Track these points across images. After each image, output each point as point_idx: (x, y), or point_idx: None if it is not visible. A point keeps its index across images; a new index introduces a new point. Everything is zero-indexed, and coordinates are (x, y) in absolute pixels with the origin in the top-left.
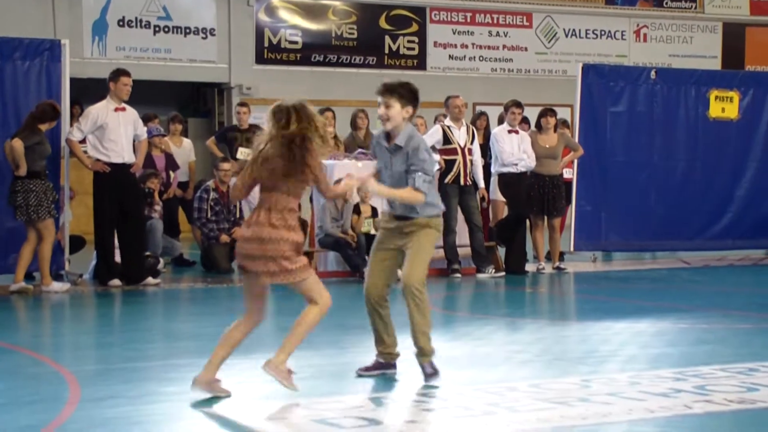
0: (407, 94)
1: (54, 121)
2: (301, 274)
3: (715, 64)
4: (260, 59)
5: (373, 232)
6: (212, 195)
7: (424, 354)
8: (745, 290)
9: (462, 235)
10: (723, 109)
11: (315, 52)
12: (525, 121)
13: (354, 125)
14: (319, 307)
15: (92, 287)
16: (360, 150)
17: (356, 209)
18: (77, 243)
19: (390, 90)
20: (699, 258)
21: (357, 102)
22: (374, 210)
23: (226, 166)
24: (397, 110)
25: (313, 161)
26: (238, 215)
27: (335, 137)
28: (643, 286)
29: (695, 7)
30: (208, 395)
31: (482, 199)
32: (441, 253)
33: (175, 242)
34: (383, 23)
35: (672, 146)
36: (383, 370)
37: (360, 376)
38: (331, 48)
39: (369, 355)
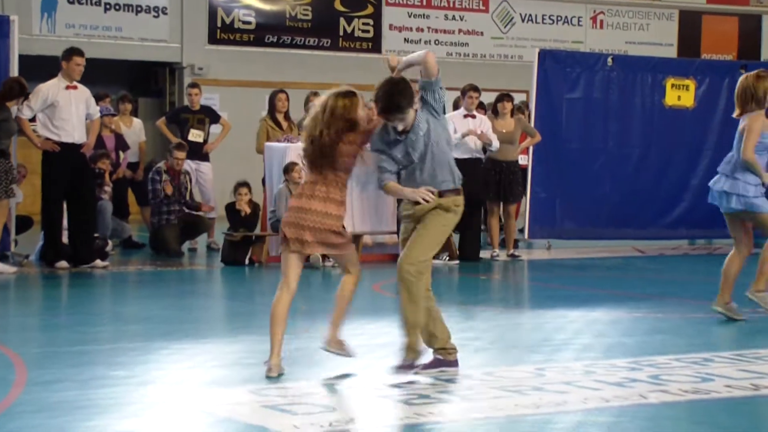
0: (409, 97)
1: (21, 97)
2: (349, 246)
3: (671, 52)
4: (213, 39)
5: None
6: (164, 177)
7: (410, 349)
8: (700, 279)
9: None
10: (679, 97)
11: (269, 33)
12: (481, 106)
13: (307, 107)
14: (354, 276)
15: (39, 269)
16: None
17: None
18: (24, 223)
19: (399, 108)
20: (654, 246)
21: (311, 84)
22: None
23: (179, 154)
24: (411, 115)
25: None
26: (188, 197)
27: (288, 119)
28: (598, 274)
29: None
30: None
31: None
32: (395, 238)
33: (125, 224)
34: (338, 5)
35: (628, 133)
36: (443, 367)
37: (416, 374)
38: (285, 29)
39: (320, 342)
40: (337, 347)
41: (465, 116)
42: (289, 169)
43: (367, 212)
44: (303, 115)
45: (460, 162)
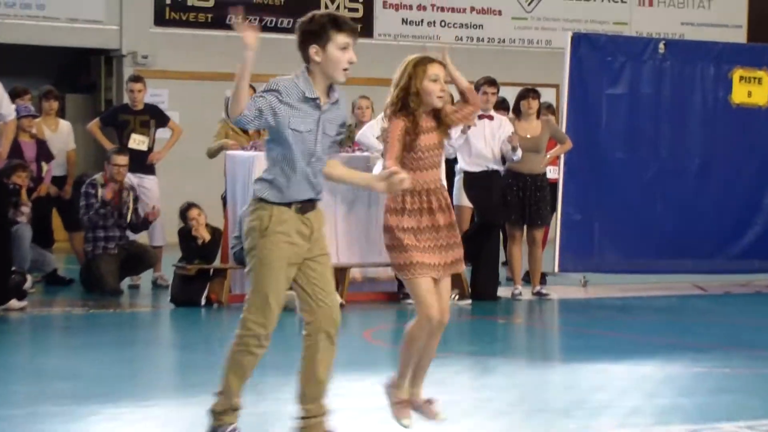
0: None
1: None
2: None
3: (740, 36)
4: (160, 20)
5: None
6: (101, 192)
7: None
8: None
9: None
10: (749, 93)
11: (231, 11)
12: (502, 105)
13: (356, 113)
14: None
15: None
16: None
17: None
18: None
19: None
20: (718, 282)
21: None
22: None
23: (121, 160)
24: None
25: None
26: (129, 219)
27: None
28: (647, 317)
29: None
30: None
31: None
32: (390, 272)
33: (48, 254)
34: None
35: (684, 140)
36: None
37: None
38: (252, 7)
39: (292, 403)
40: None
41: (480, 117)
42: None
43: (356, 239)
44: (353, 121)
45: (472, 176)
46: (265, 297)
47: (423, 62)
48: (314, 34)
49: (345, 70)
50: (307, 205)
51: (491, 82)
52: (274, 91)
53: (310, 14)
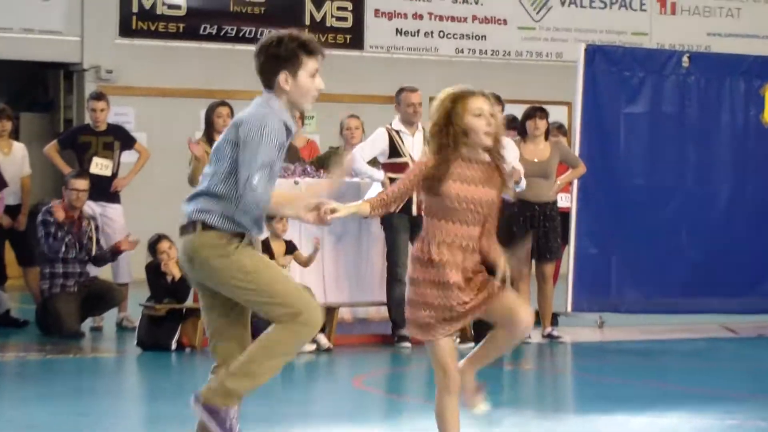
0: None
1: None
2: None
3: None
4: (126, 30)
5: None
6: (56, 216)
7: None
8: None
9: None
10: None
11: (206, 21)
12: (512, 124)
13: (345, 133)
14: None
15: None
16: None
17: (264, 248)
18: None
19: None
20: (750, 324)
21: None
22: (290, 245)
23: (80, 184)
24: None
25: None
26: (93, 252)
27: None
28: (672, 363)
29: None
30: None
31: None
32: (383, 312)
33: (0, 293)
34: None
35: (712, 164)
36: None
37: None
38: (228, 16)
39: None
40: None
41: None
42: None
43: (344, 276)
44: (341, 143)
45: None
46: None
47: (463, 96)
48: (283, 60)
49: (313, 98)
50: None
51: (496, 100)
52: (274, 140)
53: (274, 36)
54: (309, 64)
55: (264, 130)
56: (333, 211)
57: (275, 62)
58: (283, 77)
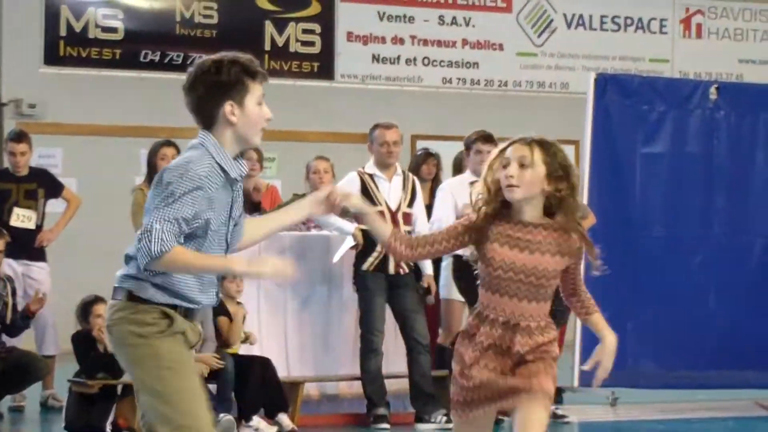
0: None
1: None
2: None
3: None
4: (52, 58)
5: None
6: None
7: None
8: None
9: (394, 358)
10: None
11: (147, 46)
12: None
13: (311, 178)
14: None
15: None
16: None
17: (221, 310)
18: None
19: None
20: None
21: None
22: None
23: None
24: None
25: None
26: (9, 319)
27: None
28: None
29: None
30: None
31: (426, 292)
32: (356, 387)
33: None
34: (262, 1)
35: (744, 212)
36: None
37: None
38: (174, 40)
39: None
40: None
41: (473, 183)
42: None
43: (310, 345)
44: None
45: (462, 261)
46: None
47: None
48: (226, 87)
49: (262, 130)
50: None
51: (487, 139)
52: (196, 190)
53: (208, 62)
54: (255, 90)
55: (184, 176)
56: (346, 197)
57: (217, 92)
58: (228, 108)
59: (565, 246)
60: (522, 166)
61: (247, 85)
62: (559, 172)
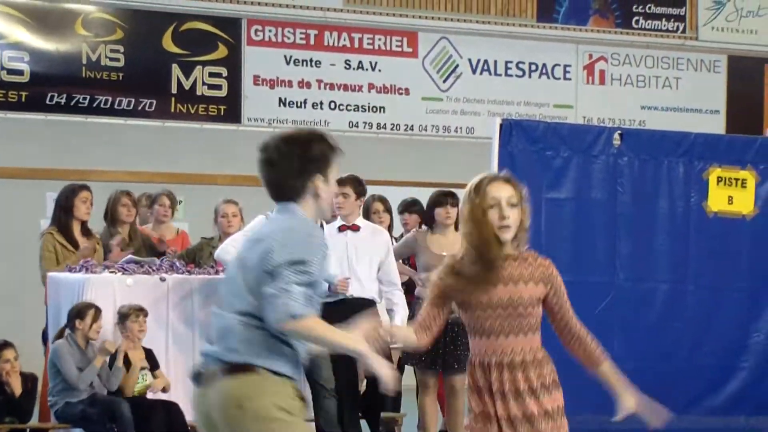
0: None
1: None
2: None
3: (718, 125)
4: None
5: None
6: None
7: None
8: None
9: None
10: (730, 199)
11: (53, 88)
12: (411, 207)
13: (220, 220)
14: None
15: None
16: (131, 256)
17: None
18: None
19: None
20: None
21: (126, 174)
22: (150, 357)
23: None
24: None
25: None
26: None
27: (89, 233)
28: None
29: (683, 29)
30: None
31: None
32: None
33: None
34: (169, 44)
35: (648, 259)
36: None
37: None
38: (80, 83)
39: None
40: None
41: (341, 229)
42: (81, 314)
43: None
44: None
45: (356, 304)
46: None
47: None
48: (318, 162)
49: None
50: None
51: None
52: (323, 250)
53: (296, 135)
54: (336, 166)
55: (301, 243)
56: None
57: (310, 165)
58: (320, 181)
59: (537, 273)
60: (512, 205)
61: (331, 160)
62: (524, 204)
